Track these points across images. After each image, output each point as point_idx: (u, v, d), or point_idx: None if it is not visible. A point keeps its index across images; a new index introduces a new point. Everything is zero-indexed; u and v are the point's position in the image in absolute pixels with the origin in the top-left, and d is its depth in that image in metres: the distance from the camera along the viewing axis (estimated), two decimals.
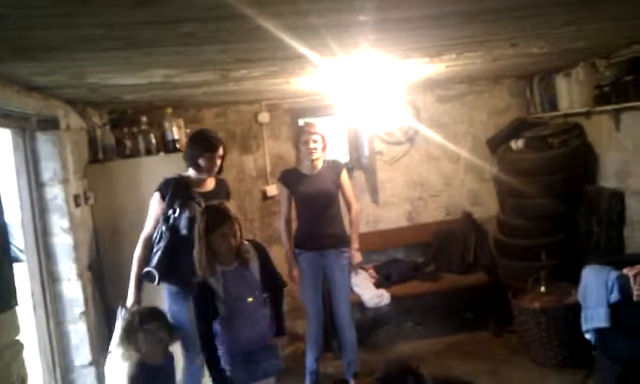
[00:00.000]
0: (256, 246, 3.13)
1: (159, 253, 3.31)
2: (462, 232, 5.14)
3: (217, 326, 2.96)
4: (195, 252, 2.91)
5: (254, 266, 3.03)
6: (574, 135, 4.70)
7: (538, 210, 4.66)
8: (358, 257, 4.07)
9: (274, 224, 5.10)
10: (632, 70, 3.74)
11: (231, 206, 3.18)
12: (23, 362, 2.62)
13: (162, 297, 3.49)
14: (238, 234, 2.93)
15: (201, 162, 3.39)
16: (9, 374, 2.46)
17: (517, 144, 4.89)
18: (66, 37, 1.90)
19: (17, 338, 2.56)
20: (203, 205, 3.21)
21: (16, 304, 2.56)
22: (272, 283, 3.13)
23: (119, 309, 3.26)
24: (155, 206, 3.39)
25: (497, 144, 5.22)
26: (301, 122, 5.13)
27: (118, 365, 3.11)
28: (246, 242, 3.07)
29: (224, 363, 2.96)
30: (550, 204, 4.63)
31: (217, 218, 2.88)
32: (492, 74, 4.92)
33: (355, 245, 4.05)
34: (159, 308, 3.21)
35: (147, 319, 3.03)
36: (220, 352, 2.95)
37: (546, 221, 4.67)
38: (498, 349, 4.66)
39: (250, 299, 2.98)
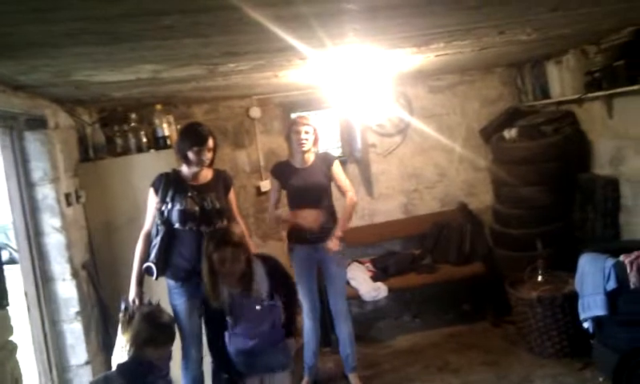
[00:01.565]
0: (265, 261, 3.16)
1: (156, 247, 3.35)
2: (458, 223, 5.13)
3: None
4: (202, 273, 2.98)
5: (262, 285, 3.05)
6: (566, 123, 4.69)
7: (533, 198, 4.66)
8: (334, 245, 3.87)
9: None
10: (622, 55, 3.72)
11: (237, 227, 3.27)
12: (17, 363, 2.59)
13: (164, 290, 3.53)
14: (242, 258, 2.95)
15: (189, 155, 3.37)
16: (2, 375, 2.45)
17: (510, 133, 4.88)
18: (44, 32, 1.87)
19: (10, 338, 2.54)
20: (196, 197, 3.31)
21: (7, 304, 2.54)
22: (284, 290, 3.17)
23: (121, 302, 3.31)
24: (151, 201, 3.43)
25: (490, 133, 5.20)
26: (293, 115, 5.12)
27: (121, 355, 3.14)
28: (256, 258, 3.12)
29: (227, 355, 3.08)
30: (544, 193, 4.62)
31: (217, 241, 2.91)
32: (483, 63, 4.90)
33: (338, 232, 3.92)
34: (167, 321, 3.08)
35: (153, 337, 2.88)
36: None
37: (541, 210, 4.66)
38: (496, 339, 4.65)
39: (258, 307, 3.03)
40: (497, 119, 5.20)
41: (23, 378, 2.63)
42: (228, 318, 3.08)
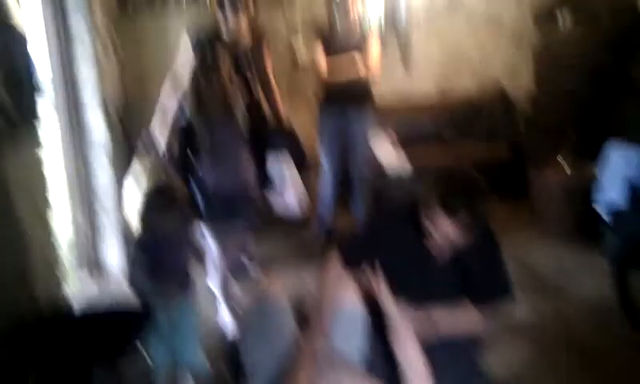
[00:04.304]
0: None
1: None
2: (492, 105, 5.04)
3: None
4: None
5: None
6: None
7: (575, 90, 4.48)
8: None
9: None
10: None
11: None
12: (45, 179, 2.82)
13: None
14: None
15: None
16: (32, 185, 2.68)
17: (563, 16, 4.61)
18: None
19: (38, 151, 2.74)
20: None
21: (36, 118, 2.69)
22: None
23: (143, 131, 3.34)
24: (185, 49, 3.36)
25: (543, 17, 4.92)
26: None
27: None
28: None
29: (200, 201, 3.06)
30: (590, 84, 4.43)
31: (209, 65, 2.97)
32: None
33: None
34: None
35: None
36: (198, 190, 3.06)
37: (582, 101, 4.49)
38: (510, 217, 4.45)
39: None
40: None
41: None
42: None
